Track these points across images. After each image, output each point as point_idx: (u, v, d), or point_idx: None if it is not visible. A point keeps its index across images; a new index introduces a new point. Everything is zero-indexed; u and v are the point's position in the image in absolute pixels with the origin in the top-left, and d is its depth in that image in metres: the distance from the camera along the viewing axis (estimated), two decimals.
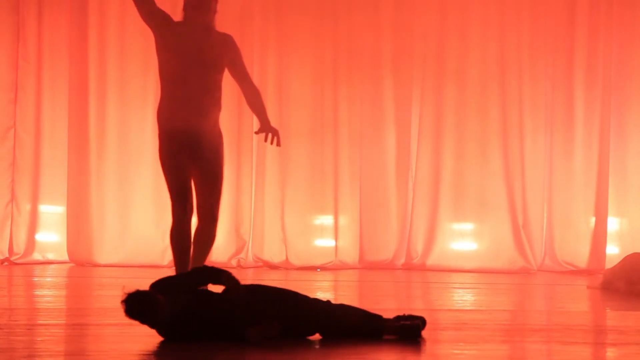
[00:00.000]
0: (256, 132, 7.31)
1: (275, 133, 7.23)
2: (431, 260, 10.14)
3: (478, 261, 10.10)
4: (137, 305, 5.08)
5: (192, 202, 7.14)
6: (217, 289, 5.33)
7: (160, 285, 5.26)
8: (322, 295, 7.01)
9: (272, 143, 7.25)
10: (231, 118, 10.10)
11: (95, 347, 5.15)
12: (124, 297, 5.09)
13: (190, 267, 7.13)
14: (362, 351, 5.06)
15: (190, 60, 7.06)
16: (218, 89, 7.21)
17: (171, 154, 7.08)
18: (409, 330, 5.30)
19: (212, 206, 7.16)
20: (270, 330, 5.04)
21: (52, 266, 9.96)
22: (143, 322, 5.12)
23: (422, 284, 9.08)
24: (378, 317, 5.39)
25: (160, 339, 5.16)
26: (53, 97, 10.23)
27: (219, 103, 7.20)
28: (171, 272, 9.67)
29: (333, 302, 5.44)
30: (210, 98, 7.15)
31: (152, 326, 5.13)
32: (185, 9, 7.20)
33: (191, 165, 7.11)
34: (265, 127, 7.26)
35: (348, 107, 10.22)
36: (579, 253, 10.11)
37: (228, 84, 10.43)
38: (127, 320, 5.30)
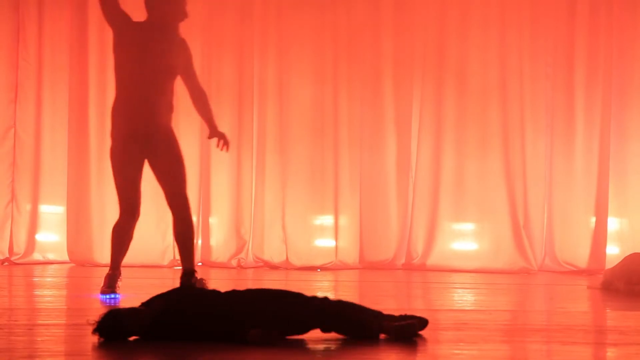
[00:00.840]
0: (209, 137, 7.58)
1: (224, 138, 7.49)
2: (431, 261, 10.13)
3: (478, 261, 10.09)
4: (110, 323, 5.10)
5: (139, 206, 7.46)
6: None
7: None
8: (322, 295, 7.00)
9: (222, 149, 7.52)
10: (232, 118, 10.11)
11: (95, 347, 5.15)
12: (94, 326, 5.10)
13: (182, 262, 7.40)
14: (362, 351, 5.06)
15: (147, 63, 7.27)
16: (172, 91, 7.41)
17: (125, 155, 7.32)
18: (402, 330, 5.28)
19: (181, 196, 7.37)
20: (272, 336, 5.05)
21: (53, 266, 9.97)
22: (125, 333, 5.13)
23: (423, 284, 9.08)
24: (377, 316, 5.37)
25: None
26: (53, 97, 10.23)
27: (172, 105, 7.41)
28: (172, 272, 9.69)
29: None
30: (165, 100, 7.35)
31: (138, 334, 5.14)
32: (149, 10, 7.38)
33: (145, 164, 7.35)
34: (215, 133, 7.52)
35: (348, 108, 10.22)
36: (579, 253, 10.10)
37: (230, 85, 10.48)
38: None
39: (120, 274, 7.41)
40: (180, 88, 9.98)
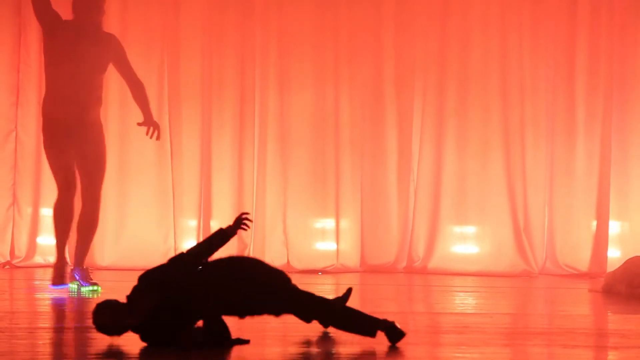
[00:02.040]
0: (139, 124, 8.10)
1: (156, 127, 8.06)
2: (433, 264, 10.12)
3: (479, 264, 10.08)
4: (102, 314, 5.09)
5: (75, 184, 7.93)
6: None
7: (143, 279, 5.23)
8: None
9: (151, 137, 8.09)
10: (233, 120, 10.11)
11: (96, 349, 5.15)
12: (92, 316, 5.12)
13: (75, 252, 8.01)
14: (362, 354, 5.06)
15: (76, 59, 8.06)
16: (100, 86, 8.03)
17: (56, 143, 7.87)
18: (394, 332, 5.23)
19: (96, 190, 7.95)
20: (197, 335, 5.05)
21: None
22: (118, 328, 5.11)
23: (424, 288, 9.08)
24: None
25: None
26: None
27: (100, 99, 8.03)
28: None
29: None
30: (93, 94, 7.93)
31: (133, 329, 5.12)
32: (75, 9, 7.96)
33: (74, 154, 7.89)
34: (148, 121, 8.07)
35: (350, 111, 10.21)
36: (581, 256, 10.09)
37: (231, 87, 10.47)
38: None
39: (67, 263, 8.05)
40: (179, 99, 10.05)
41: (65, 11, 8.13)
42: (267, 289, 5.19)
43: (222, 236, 5.34)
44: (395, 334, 5.15)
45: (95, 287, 7.87)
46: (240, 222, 5.34)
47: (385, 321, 5.18)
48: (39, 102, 10.20)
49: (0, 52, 10.16)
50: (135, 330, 5.08)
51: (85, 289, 7.87)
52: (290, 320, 5.32)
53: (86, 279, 7.91)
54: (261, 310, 5.20)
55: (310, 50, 10.14)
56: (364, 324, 5.19)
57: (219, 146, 10.11)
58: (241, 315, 5.20)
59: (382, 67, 10.19)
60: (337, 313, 5.25)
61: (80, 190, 7.94)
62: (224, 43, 10.12)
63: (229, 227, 5.35)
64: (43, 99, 7.98)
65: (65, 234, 7.98)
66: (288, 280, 5.28)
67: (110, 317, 5.07)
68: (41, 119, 7.97)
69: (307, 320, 5.27)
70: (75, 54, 7.81)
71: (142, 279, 5.18)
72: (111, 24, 10.07)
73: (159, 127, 8.06)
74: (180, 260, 5.27)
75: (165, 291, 5.10)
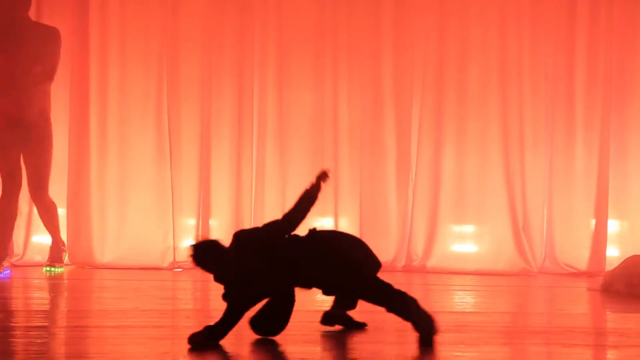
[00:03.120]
0: None
1: None
2: (431, 263, 10.12)
3: (478, 263, 10.08)
4: (200, 252, 5.23)
5: (20, 176, 8.51)
6: None
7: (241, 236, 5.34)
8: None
9: None
10: (232, 119, 10.10)
11: (95, 349, 5.15)
12: (194, 243, 5.27)
13: (52, 240, 8.93)
14: (362, 354, 5.06)
15: (13, 56, 8.05)
16: (40, 80, 8.54)
17: (2, 142, 8.44)
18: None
19: (41, 176, 8.56)
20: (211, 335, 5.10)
21: None
22: (209, 270, 5.23)
23: (423, 286, 9.08)
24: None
25: (162, 341, 5.15)
26: (54, 98, 10.18)
27: (46, 92, 8.63)
28: (171, 274, 9.68)
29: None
30: (32, 88, 8.46)
31: (218, 279, 5.23)
32: (3, 6, 8.53)
33: (19, 148, 8.42)
34: None
35: (348, 109, 10.21)
36: (580, 255, 10.09)
37: (230, 87, 10.46)
38: (128, 323, 5.30)
39: (7, 254, 8.73)
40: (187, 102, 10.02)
41: None
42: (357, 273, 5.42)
43: (309, 196, 5.48)
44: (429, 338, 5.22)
45: (53, 269, 8.73)
46: (321, 177, 5.42)
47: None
48: None
49: None
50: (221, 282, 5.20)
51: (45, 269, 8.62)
52: (291, 319, 5.32)
53: (56, 260, 8.70)
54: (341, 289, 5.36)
55: (309, 49, 10.13)
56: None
57: (218, 145, 10.10)
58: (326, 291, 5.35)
59: (381, 66, 10.18)
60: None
61: (27, 181, 8.59)
62: (222, 42, 10.11)
63: (312, 185, 5.46)
64: None
65: (8, 232, 8.75)
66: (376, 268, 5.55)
67: (209, 260, 5.22)
68: None
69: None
70: (9, 50, 8.31)
71: (239, 237, 5.34)
72: (111, 28, 10.08)
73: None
74: (275, 226, 5.35)
75: (265, 253, 5.34)
